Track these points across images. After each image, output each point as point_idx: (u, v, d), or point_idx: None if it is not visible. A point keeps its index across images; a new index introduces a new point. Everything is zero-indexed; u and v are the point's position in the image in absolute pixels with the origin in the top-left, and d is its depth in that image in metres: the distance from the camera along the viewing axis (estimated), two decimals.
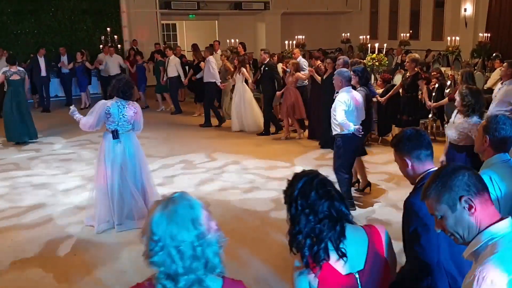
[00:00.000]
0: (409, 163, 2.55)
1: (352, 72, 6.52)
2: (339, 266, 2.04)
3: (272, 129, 10.39)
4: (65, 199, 6.76)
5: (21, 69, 9.93)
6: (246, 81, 10.68)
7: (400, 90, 8.86)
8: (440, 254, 2.38)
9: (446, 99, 8.44)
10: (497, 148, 3.07)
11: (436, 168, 2.43)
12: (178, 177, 7.64)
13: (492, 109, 6.55)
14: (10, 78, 9.54)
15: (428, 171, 2.50)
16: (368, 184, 6.83)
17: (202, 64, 11.54)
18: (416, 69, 8.45)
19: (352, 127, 5.76)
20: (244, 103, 10.58)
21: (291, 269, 2.12)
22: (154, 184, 6.11)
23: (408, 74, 8.47)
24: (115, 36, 15.82)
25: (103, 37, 15.65)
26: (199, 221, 1.72)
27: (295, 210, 2.05)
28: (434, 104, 8.58)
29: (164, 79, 12.93)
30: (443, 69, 11.86)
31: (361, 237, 2.11)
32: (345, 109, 5.79)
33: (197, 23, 20.96)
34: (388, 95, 8.90)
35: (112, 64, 13.79)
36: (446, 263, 2.40)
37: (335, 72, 6.42)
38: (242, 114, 10.60)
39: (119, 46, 15.86)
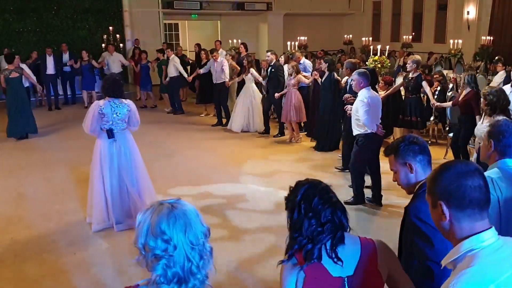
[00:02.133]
0: (414, 168, 2.52)
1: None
2: (331, 268, 2.05)
3: (275, 131, 10.38)
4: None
5: (19, 66, 10.00)
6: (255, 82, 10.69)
7: (403, 92, 8.88)
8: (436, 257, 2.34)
9: (450, 103, 8.42)
10: (502, 152, 3.04)
11: None
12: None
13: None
14: (10, 77, 9.61)
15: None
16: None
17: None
18: (418, 70, 8.51)
19: (375, 126, 5.92)
20: (255, 104, 10.62)
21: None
22: (150, 181, 6.04)
23: (410, 75, 8.50)
24: (117, 35, 15.81)
25: (105, 36, 15.64)
26: (203, 221, 1.73)
27: (298, 215, 2.05)
28: (438, 104, 8.59)
29: (167, 79, 12.94)
30: (445, 72, 11.83)
31: (354, 245, 2.12)
32: (367, 109, 5.89)
33: (200, 23, 20.93)
34: (386, 93, 8.87)
35: (113, 62, 13.78)
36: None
37: (353, 73, 6.48)
38: (250, 114, 10.61)
39: (121, 45, 15.85)
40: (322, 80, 8.86)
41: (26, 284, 4.56)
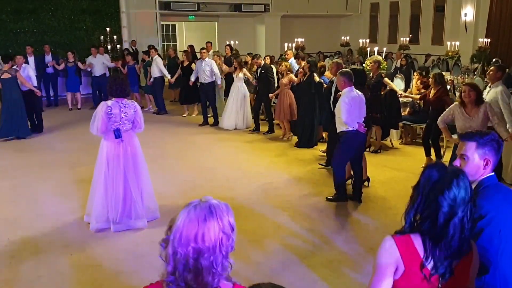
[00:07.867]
0: (490, 165, 2.58)
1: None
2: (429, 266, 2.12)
3: (265, 128, 10.73)
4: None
5: (14, 67, 10.03)
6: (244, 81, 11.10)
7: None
8: (500, 255, 2.44)
9: (417, 96, 8.85)
10: None
11: (492, 174, 2.60)
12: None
13: None
14: (1, 77, 9.77)
15: (488, 176, 2.58)
16: (367, 179, 7.10)
17: (193, 65, 12.06)
18: (378, 70, 8.88)
19: (356, 124, 6.13)
20: (244, 102, 11.02)
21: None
22: (151, 184, 6.00)
23: (372, 75, 8.88)
24: (115, 36, 15.78)
25: (102, 37, 15.61)
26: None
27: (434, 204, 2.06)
28: (405, 94, 9.18)
29: (151, 80, 12.97)
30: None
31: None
32: (348, 108, 6.11)
33: (197, 24, 20.94)
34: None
35: (97, 64, 13.72)
36: (503, 264, 2.45)
37: (337, 73, 6.64)
38: (239, 112, 10.97)
39: (118, 46, 15.83)
40: (304, 80, 9.17)
41: (22, 285, 4.53)
